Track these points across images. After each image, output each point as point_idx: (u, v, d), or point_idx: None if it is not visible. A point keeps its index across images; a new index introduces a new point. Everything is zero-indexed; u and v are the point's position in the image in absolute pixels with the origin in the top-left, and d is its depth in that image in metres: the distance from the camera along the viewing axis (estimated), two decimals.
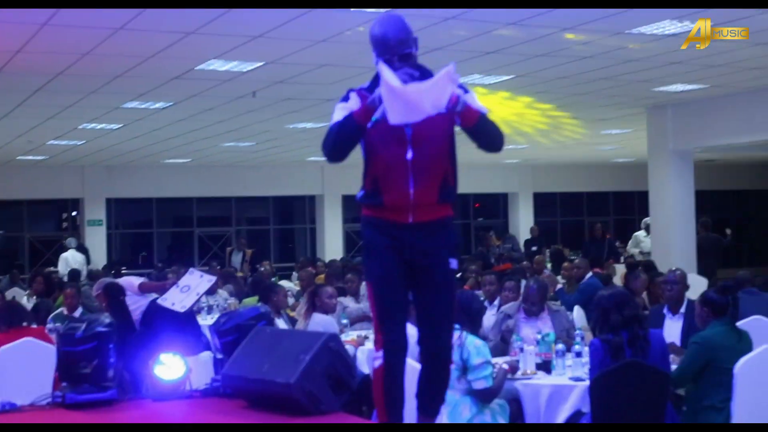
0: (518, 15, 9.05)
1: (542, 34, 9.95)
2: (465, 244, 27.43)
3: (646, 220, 18.00)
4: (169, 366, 5.55)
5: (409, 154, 4.25)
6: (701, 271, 14.48)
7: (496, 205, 28.25)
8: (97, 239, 23.13)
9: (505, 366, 6.52)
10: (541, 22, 9.36)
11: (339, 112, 4.30)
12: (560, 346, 6.86)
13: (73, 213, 24.48)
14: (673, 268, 8.31)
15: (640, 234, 19.36)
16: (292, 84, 12.30)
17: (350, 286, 10.98)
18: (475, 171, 24.80)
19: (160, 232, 25.43)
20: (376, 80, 4.26)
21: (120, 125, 15.68)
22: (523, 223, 26.80)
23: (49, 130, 15.97)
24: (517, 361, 6.85)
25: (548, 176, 27.28)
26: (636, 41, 10.43)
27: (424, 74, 4.26)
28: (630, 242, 19.91)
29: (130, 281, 10.56)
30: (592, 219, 29.06)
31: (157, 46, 9.98)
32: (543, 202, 28.25)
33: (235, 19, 8.82)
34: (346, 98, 4.36)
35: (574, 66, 11.81)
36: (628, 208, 29.16)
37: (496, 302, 9.59)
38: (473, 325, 6.41)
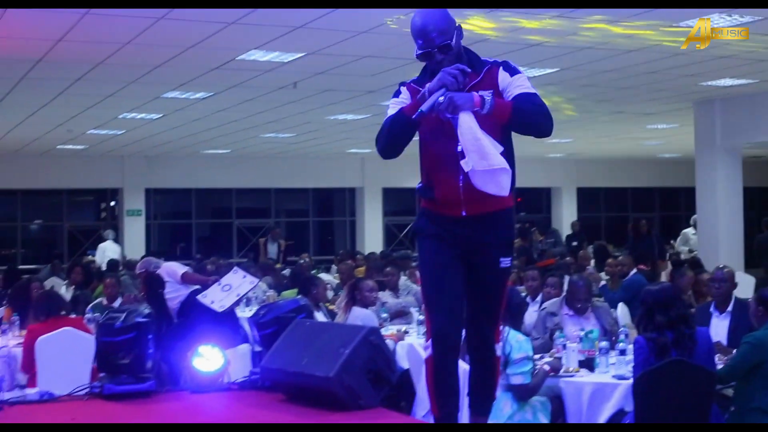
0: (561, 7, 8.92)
1: (586, 27, 9.81)
2: None
3: (695, 216, 17.66)
4: (208, 358, 5.49)
5: (459, 147, 4.15)
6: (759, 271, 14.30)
7: (539, 200, 28.02)
8: (135, 229, 23.21)
9: (546, 367, 6.40)
10: (584, 14, 9.21)
11: (392, 108, 4.24)
12: (604, 344, 6.72)
13: (112, 203, 24.57)
14: (721, 266, 8.13)
15: (689, 231, 18.99)
16: (332, 75, 12.21)
17: (389, 280, 10.90)
18: (517, 165, 24.85)
19: (198, 223, 25.43)
20: (426, 73, 4.23)
21: (160, 115, 15.69)
22: (566, 218, 26.56)
23: (89, 120, 16.00)
24: (560, 359, 6.72)
25: (592, 171, 27.01)
26: (682, 35, 10.24)
27: (473, 62, 4.19)
28: (678, 239, 19.61)
29: (174, 269, 10.50)
30: (637, 215, 28.81)
31: (198, 36, 9.93)
32: (587, 197, 27.98)
33: (276, 10, 8.75)
34: (397, 93, 4.32)
35: (619, 59, 11.63)
36: (674, 204, 28.86)
37: (539, 298, 9.49)
38: (515, 320, 6.32)
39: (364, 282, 9.17)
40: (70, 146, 20.13)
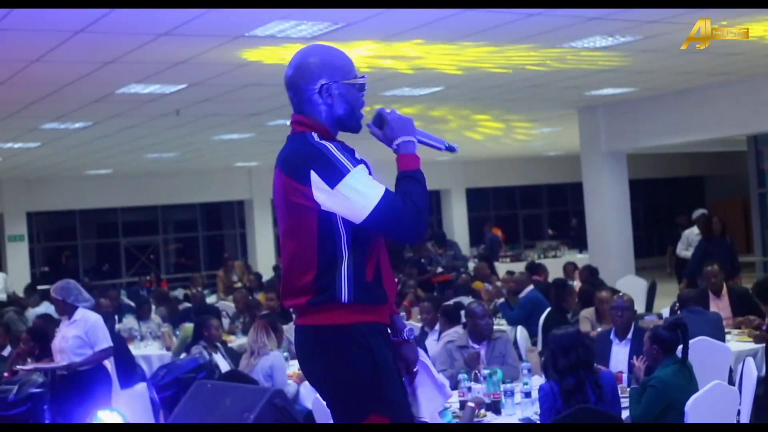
0: (450, 33, 8.85)
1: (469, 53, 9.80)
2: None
3: (700, 212, 15.54)
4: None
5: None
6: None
7: (428, 203, 27.97)
8: (19, 254, 22.46)
9: (471, 404, 6.31)
10: (469, 42, 9.19)
11: (377, 184, 3.31)
12: (509, 386, 6.67)
13: None
14: (621, 294, 8.19)
15: (690, 232, 14.78)
16: (216, 102, 11.98)
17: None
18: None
19: (84, 244, 24.79)
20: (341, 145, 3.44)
21: (38, 143, 15.19)
22: (456, 219, 26.71)
23: None
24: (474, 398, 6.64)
25: (480, 171, 27.04)
26: (569, 54, 10.32)
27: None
28: (680, 243, 15.21)
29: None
30: (525, 212, 29.13)
31: (74, 75, 9.63)
32: (476, 197, 28.06)
33: (154, 48, 8.50)
34: (362, 166, 3.34)
35: (502, 77, 11.66)
36: (562, 199, 29.30)
37: (437, 327, 9.34)
38: None
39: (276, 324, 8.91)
40: None
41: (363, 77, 3.46)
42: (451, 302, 9.92)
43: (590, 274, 12.56)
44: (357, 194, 3.23)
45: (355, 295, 3.32)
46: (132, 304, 15.29)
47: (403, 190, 3.33)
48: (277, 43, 8.66)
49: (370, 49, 9.30)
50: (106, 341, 7.97)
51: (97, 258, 25.51)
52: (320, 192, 3.23)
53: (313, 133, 3.36)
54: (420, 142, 3.47)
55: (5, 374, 8.85)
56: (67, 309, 7.93)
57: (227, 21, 7.77)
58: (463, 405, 6.45)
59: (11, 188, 22.00)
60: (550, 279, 13.05)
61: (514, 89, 12.78)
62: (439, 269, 14.98)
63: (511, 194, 29.12)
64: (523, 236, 28.29)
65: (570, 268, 13.94)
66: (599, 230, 15.92)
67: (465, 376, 7.08)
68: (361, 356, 3.33)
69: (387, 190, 3.28)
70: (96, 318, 8.04)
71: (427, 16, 8.02)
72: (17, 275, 21.22)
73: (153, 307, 13.97)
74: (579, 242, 21.93)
